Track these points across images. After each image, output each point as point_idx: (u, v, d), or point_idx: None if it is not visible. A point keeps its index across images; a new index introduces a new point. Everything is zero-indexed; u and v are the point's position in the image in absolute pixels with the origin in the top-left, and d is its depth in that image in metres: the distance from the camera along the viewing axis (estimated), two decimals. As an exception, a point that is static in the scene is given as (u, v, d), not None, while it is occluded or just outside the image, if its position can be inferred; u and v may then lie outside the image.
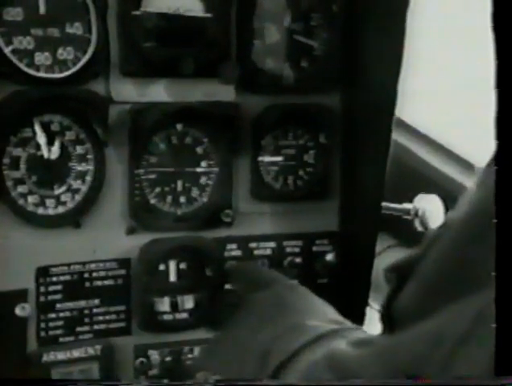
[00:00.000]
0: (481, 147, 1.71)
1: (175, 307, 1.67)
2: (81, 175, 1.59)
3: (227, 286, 1.72)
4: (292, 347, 1.03)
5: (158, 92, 1.62)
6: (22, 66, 1.48)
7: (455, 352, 0.69)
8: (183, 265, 1.69)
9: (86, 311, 1.63)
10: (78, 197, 1.59)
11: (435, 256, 0.81)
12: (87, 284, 1.62)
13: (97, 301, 1.64)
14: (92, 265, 1.62)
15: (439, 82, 2.03)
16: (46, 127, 1.55)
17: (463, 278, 0.74)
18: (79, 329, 1.63)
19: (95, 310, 1.64)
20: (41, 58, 1.49)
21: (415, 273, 0.83)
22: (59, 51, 1.51)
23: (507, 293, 0.69)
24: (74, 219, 1.59)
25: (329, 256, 1.80)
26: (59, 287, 1.60)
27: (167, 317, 1.68)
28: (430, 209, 1.71)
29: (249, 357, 1.14)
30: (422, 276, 0.82)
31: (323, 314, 1.22)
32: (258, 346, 1.13)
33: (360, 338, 0.97)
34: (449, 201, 1.73)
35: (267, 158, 1.75)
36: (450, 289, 0.75)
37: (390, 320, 0.87)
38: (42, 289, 1.58)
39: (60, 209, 1.59)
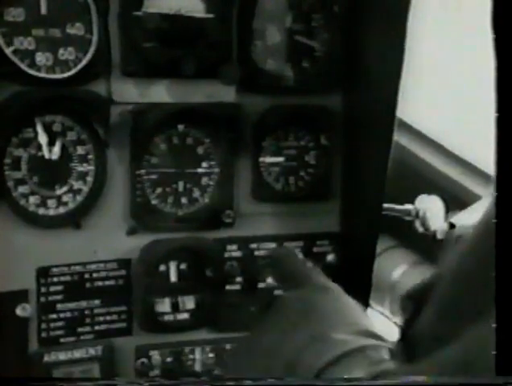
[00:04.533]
0: (481, 148, 1.71)
1: (175, 308, 1.68)
2: (82, 176, 1.59)
3: (228, 287, 1.73)
4: (316, 365, 1.02)
5: (160, 92, 1.62)
6: (23, 66, 1.48)
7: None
8: (183, 266, 1.69)
9: (87, 312, 1.63)
10: (79, 197, 1.60)
11: (451, 281, 0.81)
12: (88, 284, 1.63)
13: (97, 302, 1.64)
14: (93, 266, 1.62)
15: (441, 83, 2.03)
16: (47, 127, 1.55)
17: (481, 301, 0.73)
18: (80, 329, 1.63)
19: (96, 311, 1.64)
20: (42, 58, 1.50)
21: (431, 298, 0.83)
22: (61, 51, 1.51)
23: (507, 293, 0.69)
24: (75, 219, 1.60)
25: (330, 257, 1.80)
26: (59, 287, 1.60)
27: (167, 317, 1.69)
28: (431, 210, 1.71)
29: (275, 365, 1.13)
30: (438, 301, 0.82)
31: (352, 325, 1.14)
32: (283, 355, 1.12)
33: (379, 371, 0.95)
34: (450, 202, 1.73)
35: (268, 159, 1.75)
36: (468, 312, 0.75)
37: (408, 348, 0.86)
38: (43, 289, 1.58)
39: (61, 209, 1.59)
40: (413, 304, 0.87)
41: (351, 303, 1.26)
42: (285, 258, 1.58)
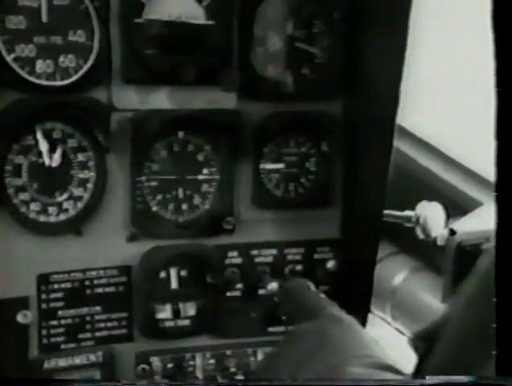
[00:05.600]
0: (482, 154, 1.71)
1: (176, 314, 1.67)
2: (83, 183, 1.59)
3: (228, 293, 1.73)
4: None
5: (160, 99, 1.62)
6: (23, 74, 1.48)
7: None
8: (184, 273, 1.69)
9: (88, 318, 1.63)
10: (80, 204, 1.60)
11: (460, 319, 0.81)
12: (88, 291, 1.63)
13: (98, 309, 1.64)
14: (94, 273, 1.62)
15: (441, 89, 2.03)
16: (48, 135, 1.55)
17: (489, 337, 0.74)
18: (80, 336, 1.63)
19: (96, 317, 1.64)
20: (43, 65, 1.50)
21: (442, 336, 0.84)
22: (61, 58, 1.51)
23: (507, 294, 0.69)
24: (76, 226, 1.60)
25: (331, 264, 1.80)
26: (60, 294, 1.60)
27: (168, 324, 1.68)
28: (431, 216, 1.71)
29: None
30: (448, 338, 0.83)
31: (366, 357, 1.15)
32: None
33: None
34: (451, 208, 1.73)
35: (269, 166, 1.75)
36: (480, 346, 0.75)
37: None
38: (43, 296, 1.58)
39: (62, 216, 1.59)
40: (424, 343, 0.87)
41: (364, 334, 1.26)
42: (298, 290, 1.58)
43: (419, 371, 0.88)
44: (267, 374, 1.28)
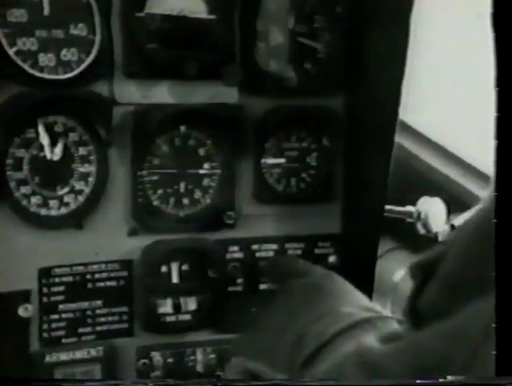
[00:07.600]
0: (483, 150, 1.71)
1: (177, 309, 1.67)
2: (84, 176, 1.59)
3: (229, 288, 1.73)
4: (326, 334, 1.04)
5: (162, 93, 1.62)
6: (26, 67, 1.48)
7: (478, 350, 0.69)
8: (185, 267, 1.69)
9: (89, 312, 1.63)
10: (81, 198, 1.60)
11: (458, 255, 0.81)
12: (89, 285, 1.63)
13: (99, 303, 1.64)
14: (95, 267, 1.62)
15: (442, 84, 2.03)
16: (49, 128, 1.55)
17: (486, 276, 0.74)
18: (81, 330, 1.63)
19: (97, 312, 1.64)
20: (45, 59, 1.50)
21: (440, 270, 0.84)
22: (63, 52, 1.51)
23: (507, 293, 0.69)
24: (77, 220, 1.60)
25: (331, 259, 1.80)
26: (61, 288, 1.60)
27: (169, 318, 1.68)
28: (433, 212, 1.71)
29: (284, 342, 1.14)
30: (446, 273, 0.83)
31: (357, 301, 1.21)
32: (293, 331, 1.13)
33: (387, 334, 0.96)
34: (452, 204, 1.73)
35: (270, 160, 1.75)
36: (474, 286, 0.75)
37: (415, 316, 0.87)
38: (44, 290, 1.58)
39: (63, 210, 1.59)
40: (423, 274, 0.87)
41: (356, 291, 1.29)
42: (286, 259, 1.60)
43: (413, 305, 0.88)
44: (260, 329, 1.30)
